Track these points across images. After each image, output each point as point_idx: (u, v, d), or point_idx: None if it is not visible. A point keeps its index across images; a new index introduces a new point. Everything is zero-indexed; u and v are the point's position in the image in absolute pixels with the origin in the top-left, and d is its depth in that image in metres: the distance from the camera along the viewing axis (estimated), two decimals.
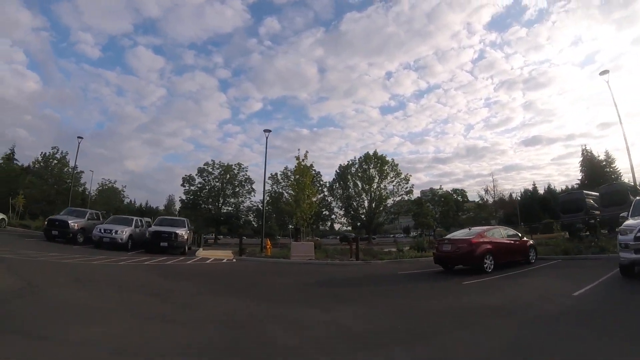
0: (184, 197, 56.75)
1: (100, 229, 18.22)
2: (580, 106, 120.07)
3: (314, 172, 58.95)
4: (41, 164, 45.12)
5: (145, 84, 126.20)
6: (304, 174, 24.45)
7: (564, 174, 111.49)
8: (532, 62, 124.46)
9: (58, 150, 45.98)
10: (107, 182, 53.01)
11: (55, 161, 45.40)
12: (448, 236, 14.51)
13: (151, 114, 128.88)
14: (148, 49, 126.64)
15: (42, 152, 45.79)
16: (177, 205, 60.86)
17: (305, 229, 23.46)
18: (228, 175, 57.16)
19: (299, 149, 31.18)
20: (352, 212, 59.65)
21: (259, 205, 60.01)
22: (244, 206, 59.31)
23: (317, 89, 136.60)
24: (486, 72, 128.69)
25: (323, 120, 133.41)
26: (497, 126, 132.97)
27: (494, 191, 61.08)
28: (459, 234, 14.21)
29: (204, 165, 57.67)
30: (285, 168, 58.58)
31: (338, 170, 61.19)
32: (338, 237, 65.22)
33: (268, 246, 19.34)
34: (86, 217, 20.25)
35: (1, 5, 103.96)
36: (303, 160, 24.72)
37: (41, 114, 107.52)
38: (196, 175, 57.47)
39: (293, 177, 26.32)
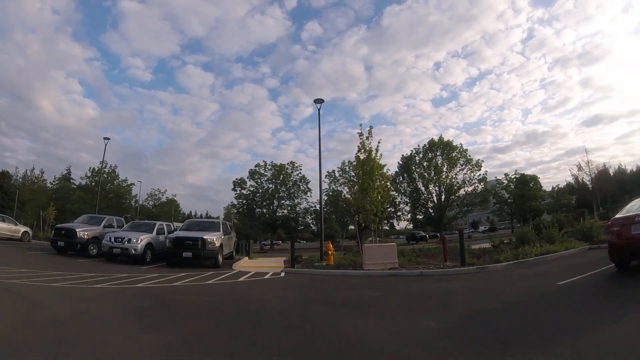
0: (235, 202, 53.29)
1: (110, 238, 13.91)
2: None
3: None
4: (90, 179, 44.12)
5: (198, 101, 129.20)
6: (369, 154, 18.70)
7: (629, 154, 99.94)
8: (584, 35, 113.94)
9: (106, 164, 44.76)
10: (157, 192, 50.55)
11: (105, 175, 44.04)
12: None
13: (207, 128, 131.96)
14: (197, 66, 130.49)
15: (90, 168, 45.12)
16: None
17: (376, 226, 17.24)
18: (281, 176, 52.86)
19: (360, 124, 21.71)
20: (419, 207, 52.56)
21: (317, 206, 55.13)
22: (300, 208, 54.65)
23: (366, 88, 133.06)
24: (538, 52, 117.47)
25: (375, 118, 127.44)
26: (555, 108, 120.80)
27: (588, 167, 51.49)
28: None
29: (255, 167, 53.94)
30: (343, 163, 53.15)
31: (400, 162, 54.18)
32: (403, 237, 58.31)
33: (330, 252, 13.82)
34: (102, 225, 16.10)
35: (52, 42, 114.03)
36: (367, 137, 18.83)
37: (102, 137, 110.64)
38: (247, 178, 53.87)
39: (355, 165, 21.11)
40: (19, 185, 41.80)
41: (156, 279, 9.64)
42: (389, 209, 53.06)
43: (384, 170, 21.32)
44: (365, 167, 18.38)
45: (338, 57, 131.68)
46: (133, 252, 13.50)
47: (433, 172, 49.52)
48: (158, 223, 16.25)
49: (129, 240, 13.63)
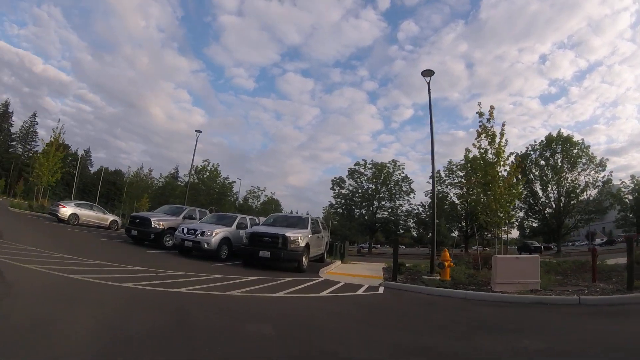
0: (333, 201, 51.28)
1: (183, 229, 12.25)
2: None
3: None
4: (194, 176, 45.79)
5: (299, 106, 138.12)
6: (493, 141, 14.43)
7: None
8: None
9: (209, 162, 46.37)
10: (256, 190, 51.00)
11: (208, 173, 45.67)
12: None
13: (308, 132, 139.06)
14: (297, 73, 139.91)
15: (194, 166, 46.54)
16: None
17: (501, 231, 12.70)
18: (382, 176, 49.36)
19: (479, 103, 15.23)
20: (535, 214, 44.30)
21: (419, 209, 50.43)
22: (402, 210, 50.47)
23: (468, 86, 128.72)
24: None
25: (478, 119, 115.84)
26: None
27: None
28: None
29: (354, 165, 51.30)
30: (450, 162, 47.62)
31: (513, 161, 46.07)
32: (512, 247, 49.79)
33: (447, 263, 10.13)
34: (182, 216, 14.74)
35: (160, 56, 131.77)
36: (489, 119, 14.52)
37: (210, 141, 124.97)
38: (347, 177, 51.48)
39: (472, 157, 16.82)
40: (128, 182, 45.27)
41: (210, 282, 7.24)
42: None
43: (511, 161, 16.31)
44: (488, 156, 14.22)
45: (437, 56, 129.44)
46: (205, 246, 11.57)
47: (551, 173, 41.30)
48: (240, 216, 14.27)
49: (202, 233, 11.75)
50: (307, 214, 16.40)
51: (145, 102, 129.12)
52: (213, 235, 11.77)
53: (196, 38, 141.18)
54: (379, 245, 70.46)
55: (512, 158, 14.52)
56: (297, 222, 13.04)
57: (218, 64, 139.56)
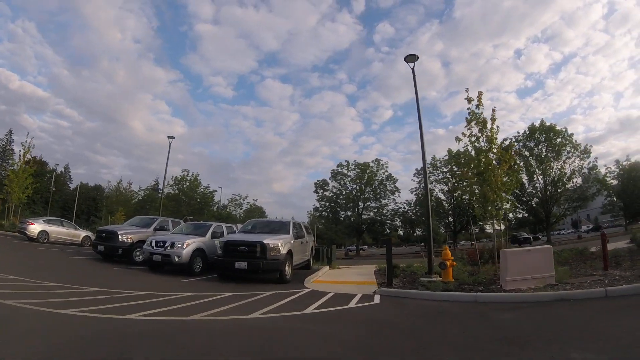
0: (317, 204, 50.07)
1: (151, 242, 10.86)
2: None
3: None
4: (172, 187, 44.40)
5: (279, 112, 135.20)
6: (483, 126, 13.53)
7: None
8: None
9: (189, 172, 45.01)
10: (238, 198, 49.54)
11: (188, 183, 44.33)
12: None
13: (289, 138, 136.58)
14: (275, 79, 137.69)
15: (173, 177, 45.16)
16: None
17: (499, 223, 11.63)
18: (366, 176, 48.44)
19: (466, 89, 12.16)
20: (522, 205, 43.92)
21: (405, 207, 49.72)
22: (388, 210, 49.63)
23: (446, 85, 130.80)
24: (622, 27, 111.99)
25: (457, 116, 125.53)
26: None
27: None
28: None
29: (337, 167, 50.23)
30: (433, 158, 47.08)
31: (508, 147, 45.62)
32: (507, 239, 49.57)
33: (449, 262, 9.01)
34: (152, 227, 13.32)
35: (137, 68, 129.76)
36: (477, 106, 13.61)
37: (191, 152, 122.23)
38: (330, 179, 50.39)
39: (464, 149, 15.91)
40: (107, 196, 43.62)
41: (174, 303, 5.96)
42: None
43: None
44: (479, 144, 13.27)
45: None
46: (176, 259, 10.24)
47: (536, 163, 41.12)
48: (214, 224, 12.93)
49: (172, 245, 10.41)
50: (293, 219, 15.02)
51: (124, 115, 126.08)
52: (184, 247, 10.43)
53: (173, 48, 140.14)
54: (366, 247, 69.49)
55: (506, 143, 13.61)
56: (278, 227, 11.80)
57: (196, 74, 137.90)
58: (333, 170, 50.05)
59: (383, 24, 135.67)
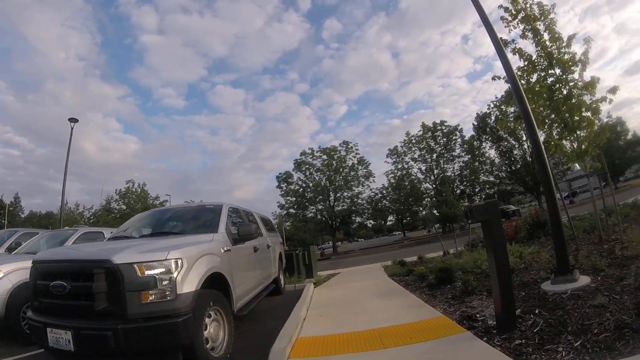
0: (282, 200, 43.40)
1: None
2: None
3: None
4: (118, 202, 40.32)
5: (233, 118, 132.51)
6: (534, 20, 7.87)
7: None
8: None
9: (134, 183, 40.30)
10: (189, 202, 42.40)
11: (134, 195, 39.97)
12: None
13: (246, 143, 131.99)
14: (226, 85, 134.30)
15: (116, 189, 40.63)
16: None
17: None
18: (334, 163, 42.31)
19: None
20: (511, 174, 39.24)
21: (383, 193, 44.17)
22: (363, 198, 43.86)
23: (397, 75, 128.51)
24: (565, 4, 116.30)
25: (411, 105, 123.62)
26: (594, 61, 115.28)
27: None
28: None
29: (300, 155, 43.71)
30: (408, 134, 41.89)
31: (475, 123, 40.95)
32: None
33: None
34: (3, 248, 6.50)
35: (83, 87, 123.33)
36: None
37: (148, 168, 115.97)
38: (293, 170, 43.81)
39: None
40: (54, 221, 38.58)
41: None
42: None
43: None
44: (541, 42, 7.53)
45: (363, 50, 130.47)
46: None
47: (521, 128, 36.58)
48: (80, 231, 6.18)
49: None
50: (232, 205, 6.12)
51: (74, 137, 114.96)
52: None
53: (119, 63, 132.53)
54: (340, 243, 64.01)
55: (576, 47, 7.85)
56: (194, 218, 5.11)
57: (144, 87, 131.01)
58: (296, 160, 43.51)
59: (330, 20, 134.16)
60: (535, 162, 3.84)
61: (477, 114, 41.68)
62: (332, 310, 5.61)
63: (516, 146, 37.58)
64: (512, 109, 36.76)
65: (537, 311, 3.83)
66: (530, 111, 5.23)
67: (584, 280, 4.32)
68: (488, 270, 6.24)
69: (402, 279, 8.08)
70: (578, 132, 6.93)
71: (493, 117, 38.81)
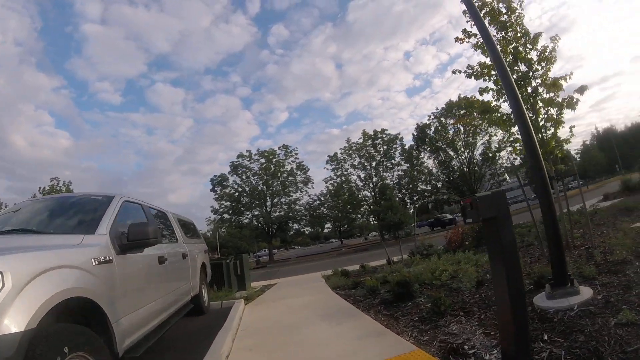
0: (216, 205, 40.84)
1: None
2: (608, 43, 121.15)
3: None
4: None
5: (171, 118, 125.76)
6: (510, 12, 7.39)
7: (606, 119, 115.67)
8: (549, 7, 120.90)
9: (59, 181, 33.89)
10: None
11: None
12: None
13: (183, 145, 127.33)
14: (166, 83, 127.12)
15: (40, 187, 34.28)
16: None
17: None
18: (272, 167, 40.76)
19: None
20: (449, 184, 40.46)
21: (321, 198, 43.46)
22: (300, 204, 42.70)
23: (339, 86, 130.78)
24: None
25: (351, 116, 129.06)
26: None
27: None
28: None
29: (237, 158, 41.55)
30: (348, 140, 41.62)
31: (415, 133, 41.81)
32: (423, 223, 45.75)
33: None
34: None
35: (17, 74, 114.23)
36: None
37: (79, 167, 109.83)
38: (229, 173, 41.51)
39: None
40: None
41: None
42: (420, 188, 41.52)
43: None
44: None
45: (307, 58, 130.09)
46: None
47: (459, 140, 38.22)
48: None
49: None
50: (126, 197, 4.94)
51: (3, 129, 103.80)
52: None
53: (57, 51, 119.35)
54: (276, 250, 62.26)
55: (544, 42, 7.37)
56: (68, 212, 3.50)
57: (81, 79, 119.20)
58: (232, 162, 41.22)
59: (278, 26, 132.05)
60: (529, 159, 3.20)
61: (417, 124, 42.56)
62: (266, 339, 4.26)
63: (454, 157, 38.69)
64: (451, 120, 38.35)
65: (546, 337, 2.86)
66: (522, 103, 4.37)
67: (585, 291, 3.47)
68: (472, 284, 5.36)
69: (349, 293, 6.97)
70: (543, 132, 6.44)
71: (432, 129, 40.03)
